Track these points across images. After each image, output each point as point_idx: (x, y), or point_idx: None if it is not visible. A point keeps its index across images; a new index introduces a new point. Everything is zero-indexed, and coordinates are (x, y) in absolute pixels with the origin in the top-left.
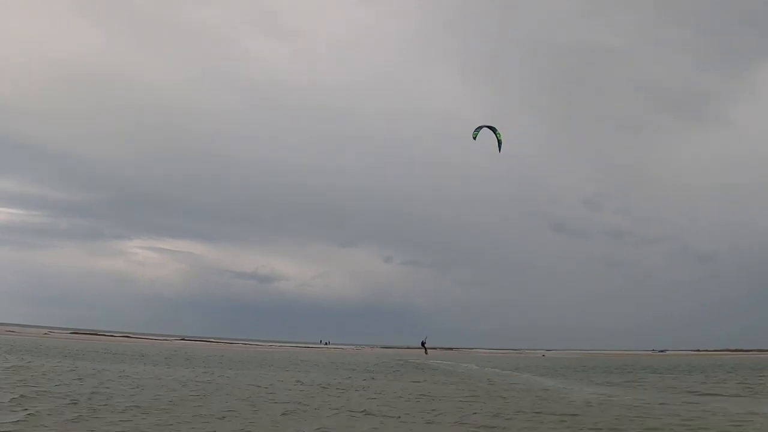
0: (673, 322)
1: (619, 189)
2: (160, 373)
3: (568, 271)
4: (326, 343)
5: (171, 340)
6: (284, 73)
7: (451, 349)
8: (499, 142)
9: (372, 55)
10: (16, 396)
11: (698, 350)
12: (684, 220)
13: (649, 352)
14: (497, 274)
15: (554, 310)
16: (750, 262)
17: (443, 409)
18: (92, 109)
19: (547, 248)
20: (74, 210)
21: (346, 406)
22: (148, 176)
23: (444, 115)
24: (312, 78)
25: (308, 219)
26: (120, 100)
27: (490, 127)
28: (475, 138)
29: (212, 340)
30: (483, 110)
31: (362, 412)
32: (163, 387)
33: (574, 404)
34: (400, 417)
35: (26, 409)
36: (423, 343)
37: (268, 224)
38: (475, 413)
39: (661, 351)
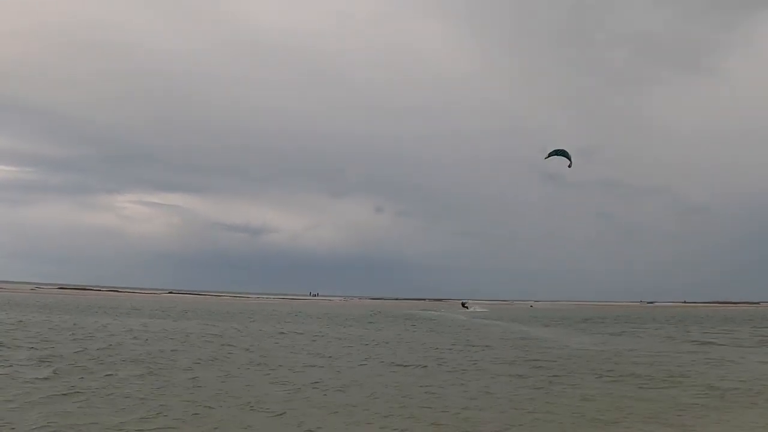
0: (661, 273)
1: (613, 139)
2: (167, 326)
3: (559, 222)
4: (315, 295)
5: (159, 293)
6: (272, 17)
7: (441, 300)
8: (570, 161)
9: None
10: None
11: (685, 302)
12: (677, 170)
13: (638, 303)
14: (487, 225)
15: (544, 261)
16: (742, 213)
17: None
18: (74, 60)
19: (539, 199)
20: (64, 166)
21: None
22: (137, 130)
23: (430, 63)
24: (297, 20)
25: (301, 169)
26: (107, 57)
27: (561, 153)
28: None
29: (202, 293)
30: (469, 57)
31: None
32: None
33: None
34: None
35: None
36: (463, 304)
37: (260, 175)
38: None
39: (650, 303)
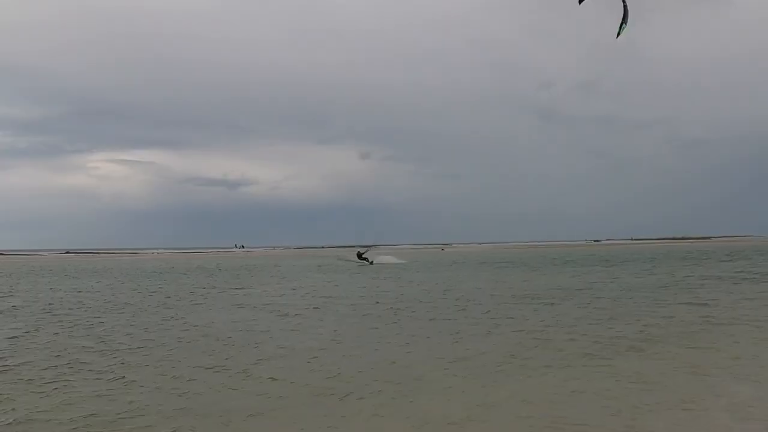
0: (644, 209)
1: (611, 71)
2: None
3: (550, 161)
4: (241, 247)
5: (143, 253)
6: None
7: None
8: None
9: None
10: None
11: (632, 239)
12: (676, 100)
13: (583, 242)
14: (473, 167)
15: (532, 202)
16: (743, 149)
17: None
18: (41, 17)
19: (530, 138)
20: (32, 127)
21: None
22: (104, 85)
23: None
24: None
25: (281, 119)
26: (71, 4)
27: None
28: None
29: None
30: None
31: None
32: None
33: None
34: None
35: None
36: (360, 254)
37: (237, 127)
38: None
39: (596, 241)
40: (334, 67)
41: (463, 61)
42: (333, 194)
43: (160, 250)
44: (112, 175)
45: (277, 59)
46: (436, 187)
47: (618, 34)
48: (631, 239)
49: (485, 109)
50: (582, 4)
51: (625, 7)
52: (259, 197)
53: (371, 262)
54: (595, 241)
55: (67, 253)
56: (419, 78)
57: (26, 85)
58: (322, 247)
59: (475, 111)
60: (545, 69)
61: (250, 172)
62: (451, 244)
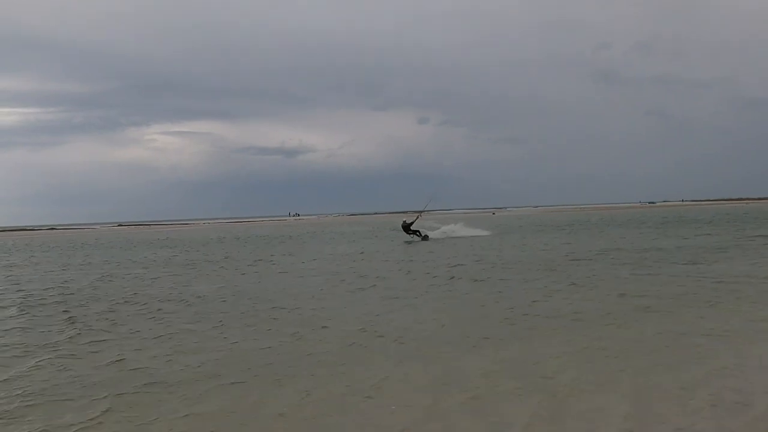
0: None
1: (672, 29)
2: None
3: (607, 123)
4: (297, 215)
5: (195, 223)
6: None
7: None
8: None
9: None
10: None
11: (683, 201)
12: (738, 57)
13: (638, 205)
14: (531, 130)
15: (587, 165)
16: None
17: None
18: None
19: (587, 100)
20: (87, 102)
21: None
22: (159, 58)
23: None
24: None
25: (337, 86)
26: None
27: None
28: None
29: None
30: None
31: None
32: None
33: None
34: None
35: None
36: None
37: (293, 95)
38: None
39: (651, 203)
40: (390, 32)
41: (521, 23)
42: (388, 161)
43: (208, 221)
44: (169, 147)
45: (331, 26)
46: (493, 152)
47: None
48: (682, 201)
49: (543, 72)
50: None
51: None
52: (316, 165)
53: (424, 237)
54: (650, 203)
55: (119, 225)
56: (476, 41)
57: (79, 60)
58: (375, 214)
59: (532, 73)
60: (603, 29)
61: (307, 140)
62: (505, 207)
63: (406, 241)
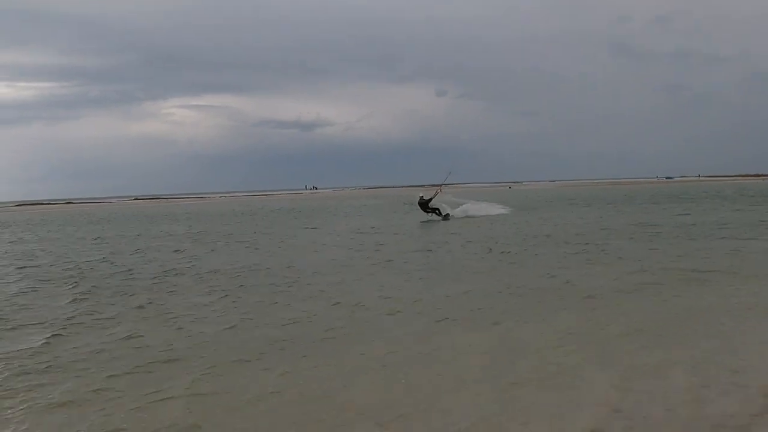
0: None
1: (691, 3)
2: None
3: (622, 97)
4: (313, 188)
5: (212, 196)
6: None
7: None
8: None
9: None
10: None
11: (699, 176)
12: (756, 37)
13: (654, 179)
14: (548, 104)
15: (602, 141)
16: None
17: None
18: None
19: (605, 73)
20: (103, 76)
21: None
22: (175, 31)
23: None
24: None
25: (354, 59)
26: None
27: None
28: None
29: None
30: None
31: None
32: None
33: None
34: None
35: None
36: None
37: (311, 69)
38: None
39: (668, 178)
40: (407, 4)
41: None
42: (406, 134)
43: (225, 194)
44: (186, 120)
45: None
46: (509, 125)
47: None
48: (699, 176)
49: (561, 45)
50: None
51: None
52: (334, 138)
53: (445, 216)
54: (667, 177)
55: (135, 199)
56: (494, 13)
57: (96, 34)
58: (393, 187)
59: (550, 47)
60: (623, 3)
61: (324, 113)
62: (521, 182)
63: (423, 221)
